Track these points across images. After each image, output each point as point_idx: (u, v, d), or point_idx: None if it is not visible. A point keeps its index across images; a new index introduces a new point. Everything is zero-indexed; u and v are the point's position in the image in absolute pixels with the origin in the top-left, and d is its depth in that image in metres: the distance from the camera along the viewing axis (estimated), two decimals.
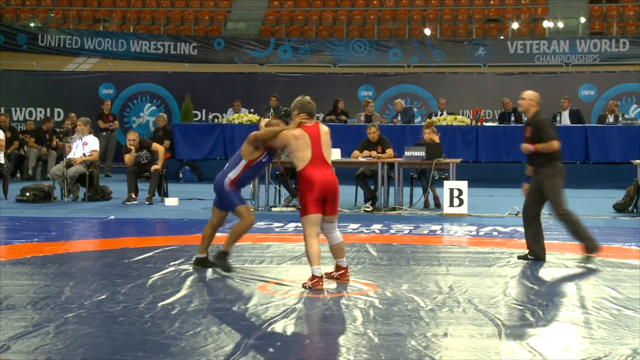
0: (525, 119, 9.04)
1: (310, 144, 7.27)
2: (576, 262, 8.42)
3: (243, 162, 7.80)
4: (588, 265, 8.27)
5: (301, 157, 7.24)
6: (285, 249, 9.36)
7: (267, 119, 7.87)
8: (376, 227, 11.28)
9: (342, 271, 7.47)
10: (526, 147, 8.64)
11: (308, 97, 7.65)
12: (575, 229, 8.52)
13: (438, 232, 11.05)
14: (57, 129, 15.06)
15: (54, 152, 18.81)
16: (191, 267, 7.99)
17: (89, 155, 14.75)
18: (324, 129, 7.44)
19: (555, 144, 8.70)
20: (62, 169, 14.60)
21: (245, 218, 7.82)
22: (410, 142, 14.86)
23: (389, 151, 13.67)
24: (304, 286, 7.11)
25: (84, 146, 14.85)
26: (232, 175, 7.81)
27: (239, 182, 7.87)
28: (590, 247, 8.40)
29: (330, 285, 7.30)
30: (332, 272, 7.51)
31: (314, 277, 7.12)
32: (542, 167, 8.77)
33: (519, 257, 8.64)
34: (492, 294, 6.86)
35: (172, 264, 8.23)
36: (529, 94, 8.74)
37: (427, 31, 26.77)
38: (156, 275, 7.60)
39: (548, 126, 8.69)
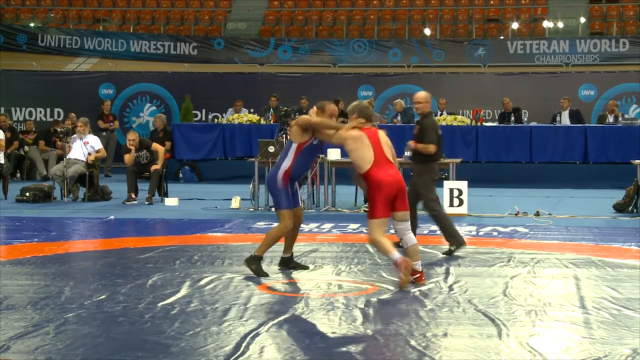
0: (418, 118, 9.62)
1: (370, 144, 7.35)
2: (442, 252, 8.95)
3: (294, 147, 7.59)
4: (457, 253, 8.85)
5: (362, 157, 7.32)
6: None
7: (315, 110, 7.73)
8: None
9: (418, 275, 7.31)
10: (410, 144, 9.34)
11: (366, 102, 7.75)
12: (443, 225, 9.08)
13: (438, 232, 11.03)
14: (58, 129, 15.06)
15: (54, 153, 18.82)
16: (278, 268, 7.89)
17: (97, 152, 14.82)
18: (382, 131, 7.59)
19: (431, 148, 9.29)
20: (61, 169, 14.60)
21: (286, 223, 7.60)
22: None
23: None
24: (401, 282, 7.01)
25: (86, 145, 14.86)
26: (285, 164, 7.58)
27: (294, 173, 7.60)
28: (456, 243, 8.94)
29: (330, 285, 7.30)
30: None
31: (404, 261, 7.00)
32: (418, 165, 9.38)
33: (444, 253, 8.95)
34: (492, 294, 6.86)
35: (172, 264, 8.22)
36: (423, 96, 9.38)
37: (427, 31, 26.77)
38: (156, 276, 7.60)
39: (432, 130, 9.34)
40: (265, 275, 7.56)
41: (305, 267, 7.98)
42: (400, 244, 7.52)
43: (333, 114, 7.75)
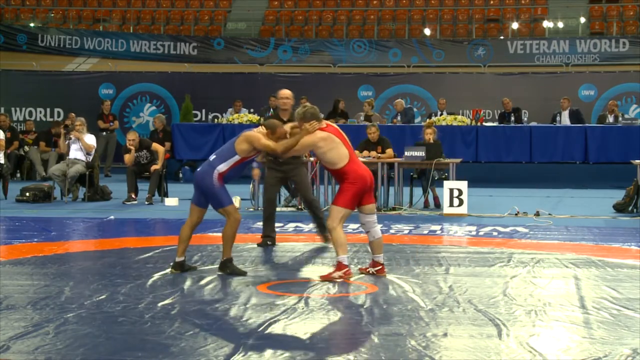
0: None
1: (340, 142, 7.63)
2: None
3: (236, 158, 7.62)
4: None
5: (340, 155, 7.56)
6: (285, 248, 9.36)
7: (261, 131, 7.75)
8: None
9: (380, 267, 7.67)
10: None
11: (309, 105, 7.83)
12: (317, 215, 9.49)
13: (438, 232, 11.05)
14: (66, 125, 15.05)
15: (54, 153, 18.82)
16: (169, 272, 7.69)
17: (87, 150, 14.85)
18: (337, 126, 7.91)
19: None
20: (61, 168, 14.61)
21: (235, 217, 7.63)
22: (410, 142, 14.86)
23: (389, 151, 13.66)
24: (331, 278, 7.32)
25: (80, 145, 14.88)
26: (221, 168, 7.57)
27: (227, 177, 7.63)
28: (325, 236, 9.29)
29: (330, 285, 7.31)
30: (367, 268, 7.73)
31: (343, 266, 7.40)
32: (295, 158, 9.46)
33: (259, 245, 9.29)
34: (491, 294, 6.86)
35: (171, 264, 8.21)
36: (289, 93, 9.73)
37: (427, 31, 26.77)
38: (156, 275, 7.60)
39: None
40: (244, 273, 7.60)
41: (194, 268, 7.84)
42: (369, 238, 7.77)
43: (282, 136, 7.78)
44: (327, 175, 13.48)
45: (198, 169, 7.76)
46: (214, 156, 7.67)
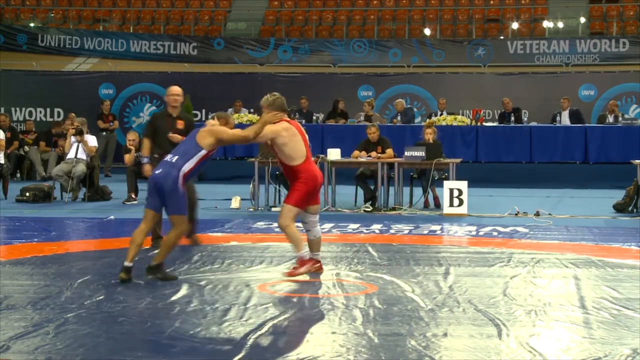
0: (176, 114, 9.62)
1: (300, 138, 7.67)
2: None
3: (202, 153, 7.33)
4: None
5: (297, 151, 7.61)
6: (285, 249, 9.35)
7: (214, 123, 7.69)
8: (376, 227, 11.28)
9: (318, 264, 7.82)
10: (176, 137, 9.23)
11: (277, 94, 7.85)
12: (192, 217, 9.28)
13: (438, 232, 11.05)
14: (76, 126, 15.02)
15: (54, 153, 18.81)
16: (119, 279, 7.27)
17: (89, 153, 14.84)
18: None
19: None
20: (63, 169, 14.62)
21: (182, 228, 7.39)
22: (410, 142, 14.86)
23: (389, 151, 13.66)
24: (296, 274, 7.46)
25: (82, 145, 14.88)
26: (187, 167, 7.28)
27: (189, 177, 7.39)
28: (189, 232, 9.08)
29: (329, 285, 7.31)
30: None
31: (306, 261, 7.55)
32: None
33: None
34: (492, 294, 6.86)
35: (171, 264, 8.21)
36: (180, 90, 9.61)
37: (427, 31, 26.77)
38: (155, 276, 7.59)
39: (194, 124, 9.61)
40: (176, 277, 7.35)
41: (172, 277, 7.44)
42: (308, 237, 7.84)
43: (232, 126, 7.85)
44: (327, 175, 13.46)
45: (157, 172, 7.35)
46: (175, 157, 7.33)
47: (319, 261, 7.88)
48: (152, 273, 7.37)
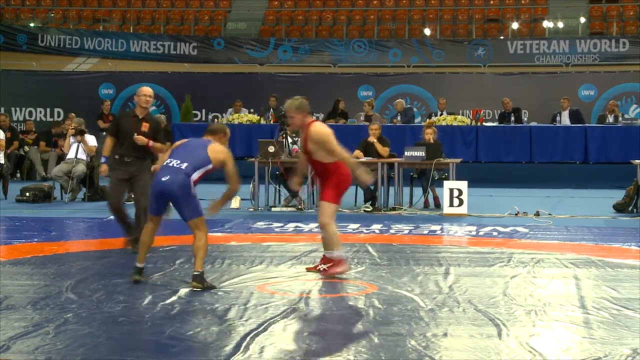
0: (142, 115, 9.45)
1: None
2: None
3: (209, 167, 7.32)
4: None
5: (339, 149, 7.46)
6: (285, 249, 9.36)
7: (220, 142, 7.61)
8: (376, 227, 11.28)
9: (331, 264, 7.68)
10: (142, 139, 9.09)
11: (298, 97, 7.76)
12: (138, 223, 8.80)
13: (438, 232, 11.05)
14: (79, 127, 15.02)
15: (54, 153, 18.81)
16: (133, 281, 7.24)
17: (89, 154, 14.83)
18: None
19: (165, 148, 9.16)
20: (64, 169, 14.61)
21: (204, 229, 7.15)
22: (410, 142, 14.87)
23: (386, 148, 13.68)
24: (334, 274, 7.30)
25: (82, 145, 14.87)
26: (195, 176, 7.22)
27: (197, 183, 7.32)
28: (133, 241, 8.77)
29: (330, 285, 7.31)
30: (317, 265, 7.74)
31: (343, 261, 7.44)
32: (145, 161, 9.24)
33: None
34: (491, 294, 6.86)
35: (171, 264, 8.22)
36: (151, 91, 9.48)
37: (427, 31, 26.77)
38: (156, 275, 7.60)
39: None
40: (213, 287, 7.04)
41: (211, 287, 7.18)
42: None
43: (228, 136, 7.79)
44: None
45: (164, 179, 7.14)
46: (185, 163, 7.21)
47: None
48: (198, 282, 7.03)
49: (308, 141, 7.50)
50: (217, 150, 7.37)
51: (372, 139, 13.82)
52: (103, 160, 9.44)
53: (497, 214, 12.70)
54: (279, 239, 10.18)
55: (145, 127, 9.24)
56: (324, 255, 7.71)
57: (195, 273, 7.05)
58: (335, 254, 7.48)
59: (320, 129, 7.50)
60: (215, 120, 19.94)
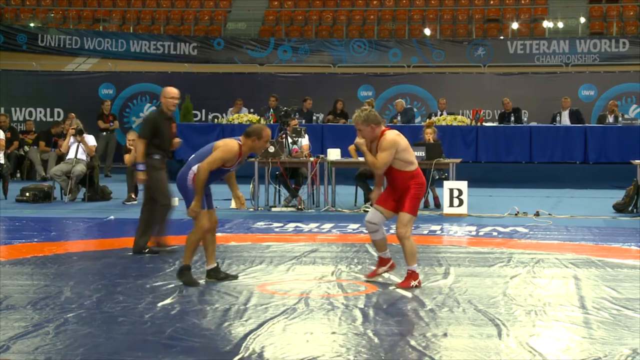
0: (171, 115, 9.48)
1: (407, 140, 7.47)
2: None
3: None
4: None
5: (412, 154, 7.34)
6: (285, 249, 9.36)
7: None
8: None
9: (391, 262, 7.59)
10: (179, 142, 9.54)
11: (367, 107, 7.50)
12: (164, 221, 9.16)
13: (438, 232, 11.05)
14: (78, 127, 15.04)
15: (53, 153, 18.82)
16: (203, 281, 7.38)
17: (89, 154, 14.83)
18: None
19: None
20: (62, 169, 14.62)
21: (202, 224, 7.22)
22: (410, 142, 14.82)
23: None
24: (408, 286, 7.09)
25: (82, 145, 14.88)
26: (195, 169, 7.28)
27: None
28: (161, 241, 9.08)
29: (329, 285, 7.31)
30: (376, 270, 7.58)
31: (417, 274, 7.23)
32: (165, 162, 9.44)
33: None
34: (491, 294, 6.86)
35: (172, 264, 8.22)
36: (178, 92, 9.45)
37: (427, 31, 26.77)
38: (156, 276, 7.60)
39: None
40: (197, 284, 7.15)
41: (235, 277, 7.49)
42: None
43: (268, 138, 7.41)
44: (327, 175, 13.47)
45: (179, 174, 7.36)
46: (192, 156, 7.38)
47: (390, 258, 7.60)
48: (177, 275, 7.29)
49: (379, 150, 7.28)
50: (220, 143, 7.34)
51: None
52: (142, 167, 9.17)
53: (497, 214, 12.71)
54: (279, 239, 10.18)
55: (174, 127, 9.44)
56: (380, 258, 7.55)
57: (180, 266, 7.30)
58: (411, 267, 7.20)
59: (389, 137, 7.24)
60: (215, 120, 19.96)
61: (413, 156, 7.36)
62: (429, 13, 27.41)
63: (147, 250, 8.93)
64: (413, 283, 7.17)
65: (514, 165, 18.32)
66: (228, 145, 7.27)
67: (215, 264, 7.50)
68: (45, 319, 5.90)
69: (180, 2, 28.58)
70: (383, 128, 7.33)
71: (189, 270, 7.29)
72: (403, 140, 7.30)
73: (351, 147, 13.76)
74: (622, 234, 10.74)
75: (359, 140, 7.45)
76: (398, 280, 7.43)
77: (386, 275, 7.66)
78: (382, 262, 7.56)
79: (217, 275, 7.44)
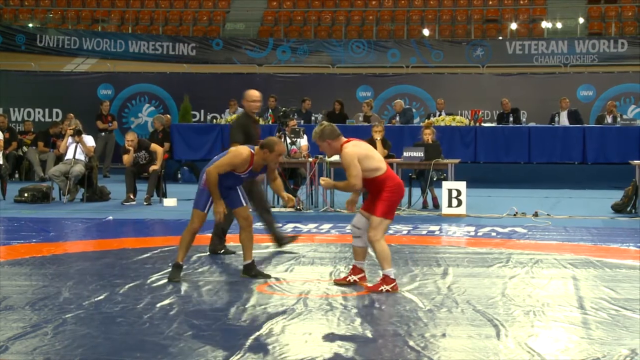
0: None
1: (369, 146, 7.44)
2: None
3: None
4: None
5: (376, 160, 7.25)
6: (284, 249, 9.36)
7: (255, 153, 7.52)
8: None
9: (363, 274, 7.41)
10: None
11: (324, 122, 7.56)
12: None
13: (437, 232, 11.06)
14: (76, 127, 15.04)
15: (52, 153, 18.81)
16: (240, 277, 7.56)
17: (88, 154, 14.83)
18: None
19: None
20: (61, 169, 14.61)
21: (192, 223, 7.40)
22: (408, 142, 14.87)
23: (385, 150, 13.67)
24: (378, 290, 6.98)
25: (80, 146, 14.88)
26: (206, 172, 7.42)
27: (219, 178, 7.39)
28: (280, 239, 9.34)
29: (328, 286, 7.31)
30: (347, 277, 7.44)
31: (391, 280, 7.04)
32: None
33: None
34: (490, 295, 6.87)
35: (170, 264, 8.22)
36: (260, 95, 9.44)
37: (426, 32, 26.77)
38: (155, 276, 7.60)
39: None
40: (177, 281, 7.25)
41: (267, 276, 7.60)
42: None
43: (282, 152, 7.55)
44: (325, 176, 13.46)
45: None
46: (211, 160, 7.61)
47: (363, 271, 7.44)
48: (170, 275, 7.42)
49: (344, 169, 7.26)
50: (232, 149, 7.58)
51: (377, 136, 13.75)
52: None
53: (496, 215, 12.71)
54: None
55: (259, 129, 9.48)
56: (354, 266, 7.44)
57: (173, 263, 7.50)
58: (384, 271, 7.10)
59: (345, 152, 7.21)
60: (214, 120, 19.95)
61: (377, 161, 7.22)
62: (428, 13, 27.42)
63: (223, 251, 9.04)
64: (384, 287, 6.99)
65: (513, 166, 18.32)
66: (238, 150, 7.46)
67: (251, 260, 7.63)
68: (44, 320, 5.90)
69: (179, 3, 28.57)
70: (342, 141, 7.27)
71: (178, 267, 7.44)
72: (361, 150, 7.22)
73: None
74: (620, 235, 10.74)
75: (322, 182, 7.61)
76: (396, 280, 7.44)
77: None
78: (354, 270, 7.40)
79: (249, 272, 7.57)
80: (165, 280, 7.38)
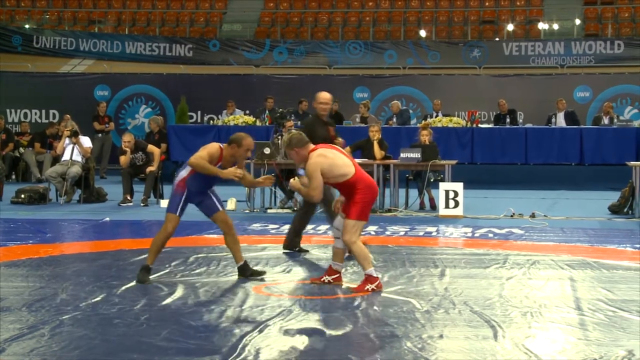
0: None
1: (335, 151, 7.38)
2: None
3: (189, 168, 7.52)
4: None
5: (343, 165, 7.20)
6: (281, 250, 9.35)
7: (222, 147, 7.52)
8: (372, 228, 11.26)
9: (337, 275, 7.45)
10: (341, 141, 9.45)
11: (294, 131, 7.62)
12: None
13: (434, 233, 11.06)
14: (73, 128, 15.02)
15: (49, 155, 18.79)
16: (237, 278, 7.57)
17: (85, 155, 14.82)
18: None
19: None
20: (57, 170, 14.60)
21: (165, 227, 7.40)
22: (405, 143, 14.87)
23: (382, 152, 13.66)
24: (364, 291, 6.98)
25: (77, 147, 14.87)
26: (184, 173, 7.48)
27: (189, 185, 7.44)
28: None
29: (325, 287, 7.30)
30: (322, 277, 7.47)
31: (373, 278, 7.08)
32: None
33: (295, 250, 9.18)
34: (487, 296, 6.87)
35: (167, 265, 8.22)
36: (330, 97, 9.51)
37: (423, 33, 26.80)
38: (151, 277, 7.59)
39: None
40: (148, 283, 7.27)
41: (263, 272, 7.66)
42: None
43: (250, 147, 7.56)
44: None
45: None
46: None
47: (339, 272, 7.47)
48: (139, 276, 7.40)
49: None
50: (207, 145, 7.55)
51: (374, 137, 13.75)
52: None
53: (493, 216, 12.71)
54: (274, 240, 10.17)
55: (332, 130, 9.48)
56: (330, 266, 7.47)
57: (142, 265, 7.46)
58: (366, 272, 7.12)
59: (309, 163, 7.19)
60: (211, 121, 19.95)
61: (343, 167, 7.17)
62: (425, 15, 27.45)
63: (298, 249, 9.21)
64: (369, 286, 7.02)
65: (510, 167, 18.33)
66: (210, 145, 7.52)
67: (243, 262, 7.61)
68: (41, 321, 5.89)
69: (176, 4, 28.58)
70: (310, 148, 7.25)
71: (147, 270, 7.42)
72: (326, 159, 7.17)
73: (347, 149, 13.75)
74: (617, 236, 10.75)
75: (292, 184, 7.56)
76: (393, 281, 7.44)
77: (383, 277, 7.65)
78: (330, 271, 7.42)
79: (244, 273, 7.57)
80: (161, 282, 7.37)
